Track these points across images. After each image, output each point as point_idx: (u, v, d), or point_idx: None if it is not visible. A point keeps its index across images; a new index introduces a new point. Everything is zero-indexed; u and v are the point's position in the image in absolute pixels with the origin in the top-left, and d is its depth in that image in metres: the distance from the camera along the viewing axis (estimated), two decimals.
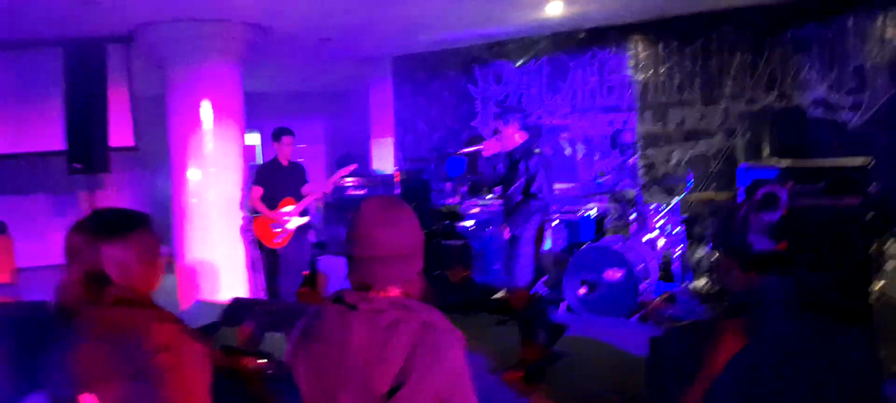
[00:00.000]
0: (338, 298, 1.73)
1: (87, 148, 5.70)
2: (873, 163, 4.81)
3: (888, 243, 5.54)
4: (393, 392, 1.60)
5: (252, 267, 6.52)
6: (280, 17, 6.15)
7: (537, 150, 4.67)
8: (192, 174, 6.28)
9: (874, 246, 5.26)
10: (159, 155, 6.70)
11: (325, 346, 1.68)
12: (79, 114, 5.65)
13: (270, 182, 6.12)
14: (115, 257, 1.76)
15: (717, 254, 1.65)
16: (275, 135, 6.19)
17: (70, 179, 6.45)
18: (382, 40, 7.63)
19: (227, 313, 4.61)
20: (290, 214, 6.07)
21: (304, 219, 6.15)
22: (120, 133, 6.13)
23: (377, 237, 1.70)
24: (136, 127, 6.40)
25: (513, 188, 4.67)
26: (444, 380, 1.63)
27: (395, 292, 1.72)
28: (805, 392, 1.44)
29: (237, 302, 4.67)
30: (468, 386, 1.67)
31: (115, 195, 7.60)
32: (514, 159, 4.73)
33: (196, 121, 6.28)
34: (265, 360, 3.73)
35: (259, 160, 10.74)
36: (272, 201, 6.06)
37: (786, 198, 1.57)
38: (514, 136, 4.74)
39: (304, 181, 6.26)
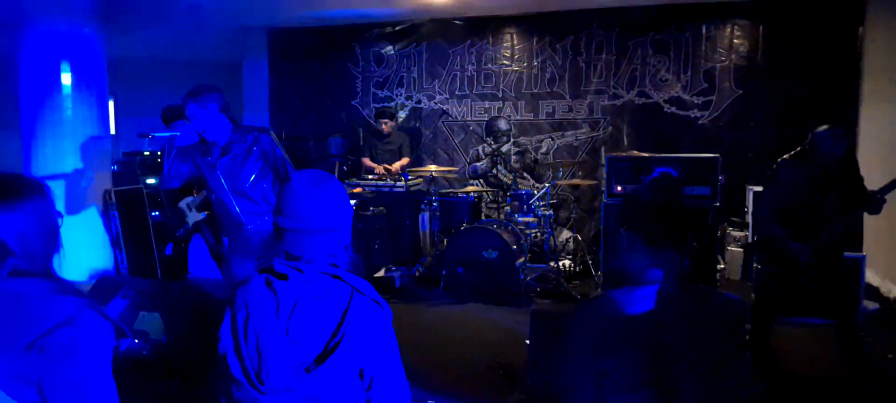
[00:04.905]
0: (267, 268, 1.73)
1: None
2: (720, 157, 5.37)
3: (729, 230, 6.23)
4: (321, 359, 1.64)
5: (114, 244, 6.13)
6: None
7: (273, 135, 3.86)
8: (47, 140, 5.78)
9: (719, 232, 5.90)
10: (7, 118, 6.10)
11: (252, 315, 1.68)
12: None
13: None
14: (11, 226, 1.65)
15: (622, 232, 1.83)
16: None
17: None
18: (258, 11, 7.39)
19: (94, 292, 4.33)
20: (189, 207, 5.19)
21: (202, 215, 5.25)
22: None
23: (306, 210, 1.73)
24: None
25: (252, 174, 3.79)
26: (372, 350, 1.69)
27: (322, 264, 1.75)
28: (697, 342, 1.68)
29: (105, 281, 4.39)
30: (396, 356, 1.75)
31: None
32: (232, 147, 3.77)
33: (51, 85, 5.77)
34: (137, 340, 3.56)
35: (112, 130, 10.01)
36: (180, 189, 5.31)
37: (676, 176, 1.80)
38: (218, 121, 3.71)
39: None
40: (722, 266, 6.16)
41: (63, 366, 1.56)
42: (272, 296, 1.69)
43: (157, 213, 6.35)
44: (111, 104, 10.51)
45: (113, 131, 9.46)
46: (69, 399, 1.55)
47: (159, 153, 7.06)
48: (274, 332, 1.66)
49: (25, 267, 1.65)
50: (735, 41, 6.94)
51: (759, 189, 5.91)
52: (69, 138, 5.83)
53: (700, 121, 7.07)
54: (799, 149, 3.80)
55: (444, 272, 5.97)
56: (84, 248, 5.86)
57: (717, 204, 5.33)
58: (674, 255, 1.76)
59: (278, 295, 1.68)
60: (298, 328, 1.66)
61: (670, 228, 1.74)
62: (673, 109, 7.15)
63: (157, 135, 4.20)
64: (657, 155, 5.84)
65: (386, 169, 7.03)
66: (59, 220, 1.81)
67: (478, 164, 6.82)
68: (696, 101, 7.08)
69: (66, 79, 5.80)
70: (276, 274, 1.72)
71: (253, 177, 3.77)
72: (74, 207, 5.85)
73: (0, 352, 1.53)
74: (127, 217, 6.14)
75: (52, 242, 1.76)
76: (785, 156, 3.83)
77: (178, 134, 4.03)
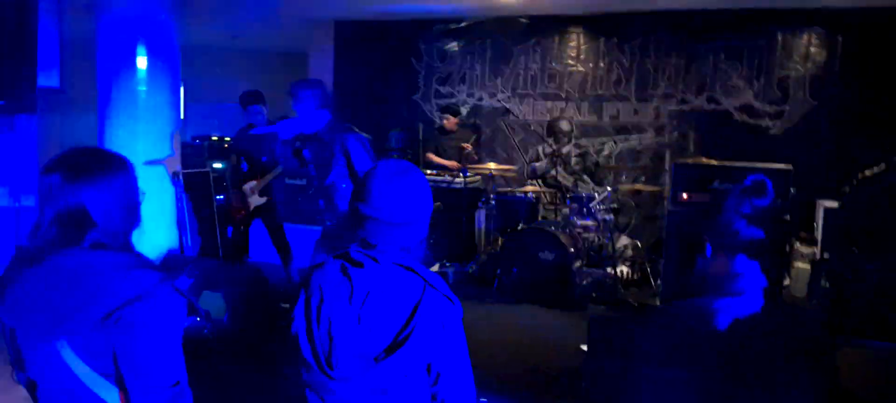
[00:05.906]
0: (343, 254, 1.74)
1: (12, 85, 5.29)
2: (792, 169, 5.17)
3: (798, 245, 6.00)
4: (390, 350, 1.64)
5: (180, 224, 6.31)
6: None
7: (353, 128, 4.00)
8: (121, 123, 5.99)
9: (787, 247, 5.69)
10: (85, 100, 6.34)
11: (326, 300, 1.69)
12: (5, 49, 5.23)
13: (239, 151, 5.82)
14: (96, 199, 1.69)
15: (705, 238, 1.78)
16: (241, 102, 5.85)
17: None
18: (325, 2, 7.48)
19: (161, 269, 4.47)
20: (252, 191, 5.68)
21: (263, 200, 5.73)
22: (46, 74, 5.73)
23: (387, 201, 1.72)
24: (63, 69, 6.03)
25: (333, 174, 3.90)
26: (441, 344, 1.68)
27: (397, 255, 1.74)
28: (773, 359, 1.61)
29: (172, 258, 4.54)
30: (464, 353, 1.74)
31: (38, 137, 7.10)
32: (323, 141, 3.91)
33: (127, 69, 5.97)
34: (200, 317, 3.63)
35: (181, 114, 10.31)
36: (246, 174, 5.73)
37: (772, 187, 1.72)
38: (313, 114, 3.89)
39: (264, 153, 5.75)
40: (787, 282, 5.93)
41: (137, 339, 1.59)
42: (346, 283, 1.69)
43: (221, 196, 6.51)
44: (181, 89, 10.83)
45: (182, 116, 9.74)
46: (142, 371, 1.58)
47: (227, 139, 7.26)
48: (346, 319, 1.66)
49: (106, 241, 1.68)
50: (812, 50, 6.68)
51: (830, 203, 5.69)
52: (142, 120, 6.02)
53: (772, 131, 6.83)
54: (882, 166, 3.66)
55: (498, 271, 5.92)
56: (152, 227, 6.04)
57: (787, 217, 5.13)
58: (760, 269, 1.69)
59: (353, 282, 1.69)
60: (370, 317, 1.66)
61: (763, 242, 1.67)
62: (744, 117, 6.93)
63: (261, 130, 4.41)
64: (726, 163, 5.65)
65: (462, 146, 6.96)
66: (141, 197, 1.86)
67: (537, 164, 6.75)
68: (768, 110, 6.84)
69: (142, 62, 6.00)
70: (351, 260, 1.72)
71: (334, 174, 3.85)
72: (145, 187, 6.04)
73: (78, 322, 1.57)
74: (193, 198, 6.33)
75: (133, 217, 1.80)
76: (866, 173, 3.69)
77: (278, 132, 4.24)
